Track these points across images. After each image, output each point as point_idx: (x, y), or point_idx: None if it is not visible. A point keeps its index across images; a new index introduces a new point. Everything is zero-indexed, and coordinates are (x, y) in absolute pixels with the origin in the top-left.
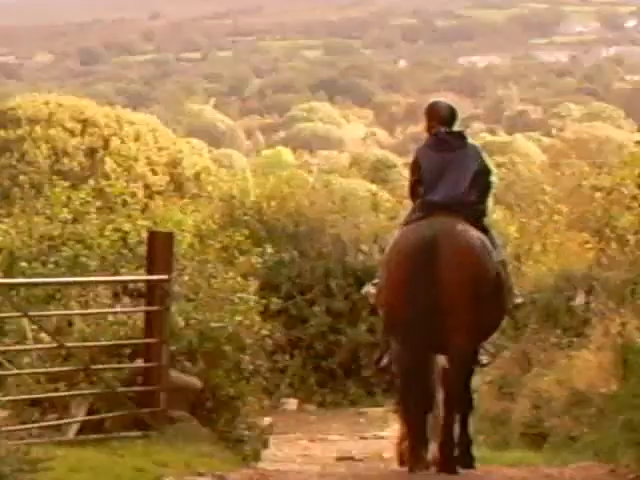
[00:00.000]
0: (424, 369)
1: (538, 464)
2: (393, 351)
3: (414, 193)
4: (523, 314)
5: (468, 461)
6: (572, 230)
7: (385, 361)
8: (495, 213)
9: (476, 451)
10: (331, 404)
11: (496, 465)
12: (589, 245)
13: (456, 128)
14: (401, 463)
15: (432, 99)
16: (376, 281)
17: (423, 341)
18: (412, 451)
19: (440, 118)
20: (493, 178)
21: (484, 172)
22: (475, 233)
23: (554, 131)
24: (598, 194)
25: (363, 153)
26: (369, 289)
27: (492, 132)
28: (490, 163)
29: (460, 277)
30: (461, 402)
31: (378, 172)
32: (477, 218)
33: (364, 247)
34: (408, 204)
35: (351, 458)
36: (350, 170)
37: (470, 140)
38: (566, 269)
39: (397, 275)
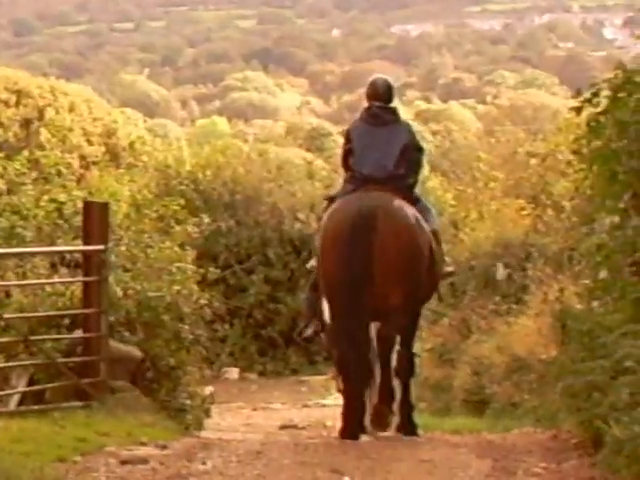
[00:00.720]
0: (361, 337)
1: (480, 430)
2: (332, 321)
3: (346, 163)
4: (461, 281)
5: (411, 428)
6: (508, 197)
7: (309, 331)
8: (431, 181)
9: (418, 418)
10: (272, 373)
11: (439, 432)
12: (525, 212)
13: (391, 104)
14: None
15: (367, 70)
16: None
17: (360, 310)
18: (346, 419)
19: (376, 94)
20: (423, 155)
21: (414, 147)
22: (408, 207)
23: (489, 98)
24: (533, 161)
25: (298, 122)
26: (313, 263)
27: (427, 100)
28: (421, 140)
29: (395, 250)
30: (401, 370)
31: (314, 141)
32: (406, 190)
33: (301, 215)
34: (343, 172)
35: (294, 426)
36: (285, 139)
37: (402, 116)
38: (503, 236)
39: (334, 248)
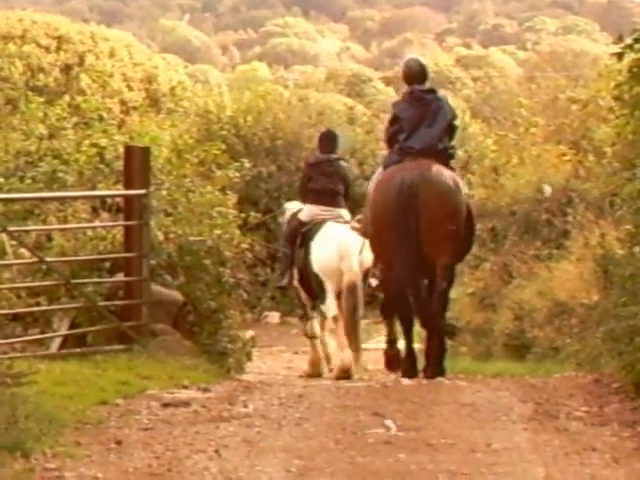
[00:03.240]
0: (416, 287)
1: (522, 375)
2: (385, 275)
3: (392, 141)
4: (502, 226)
5: (440, 370)
6: (549, 143)
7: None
8: (472, 126)
9: (460, 362)
10: None
11: (480, 376)
12: (566, 157)
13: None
14: (390, 369)
15: (408, 16)
16: (360, 217)
17: (412, 265)
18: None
19: (414, 76)
20: (457, 122)
21: (453, 120)
22: (450, 173)
23: (529, 45)
24: (574, 106)
25: (339, 68)
26: (354, 224)
27: (467, 46)
28: (455, 109)
29: (440, 211)
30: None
31: (354, 87)
32: (447, 161)
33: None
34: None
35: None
36: (326, 85)
37: (440, 93)
38: (544, 181)
39: (385, 213)
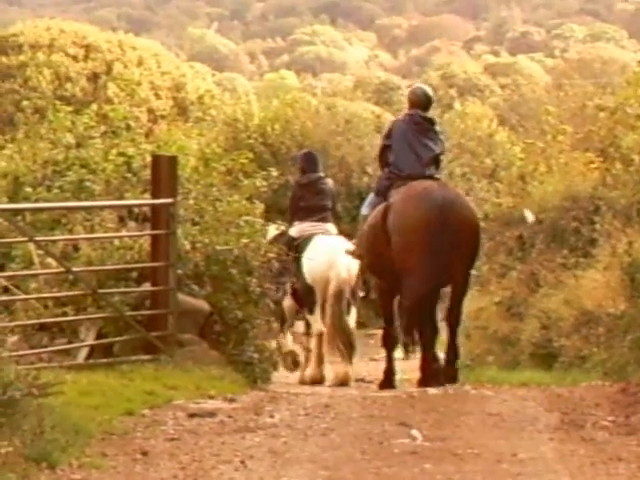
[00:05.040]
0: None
1: (548, 384)
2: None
3: (382, 157)
4: (530, 234)
5: (454, 374)
6: (577, 150)
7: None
8: (499, 134)
9: (486, 371)
10: None
11: (506, 385)
12: (594, 165)
13: (429, 113)
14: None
15: (436, 23)
16: (355, 241)
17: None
18: (427, 369)
19: (419, 103)
20: (443, 156)
21: (442, 154)
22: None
23: (557, 52)
24: (602, 114)
25: (366, 76)
26: (349, 248)
27: (495, 54)
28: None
29: (465, 232)
30: (453, 321)
31: (382, 94)
32: None
33: (369, 169)
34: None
35: (361, 380)
36: (354, 93)
37: (438, 126)
38: (571, 189)
39: (417, 240)
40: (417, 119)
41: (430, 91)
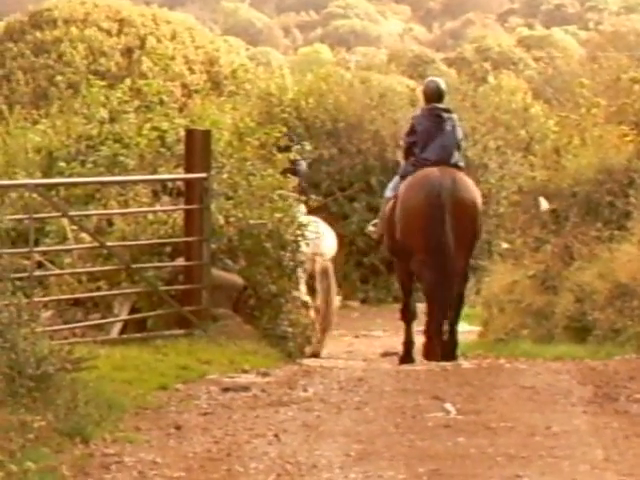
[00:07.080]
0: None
1: (582, 357)
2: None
3: (408, 151)
4: (564, 207)
5: (454, 354)
6: (611, 123)
7: None
8: (534, 107)
9: (521, 345)
10: (374, 300)
11: (540, 359)
12: (628, 138)
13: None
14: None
15: None
16: (376, 221)
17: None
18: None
19: (434, 96)
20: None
21: (462, 140)
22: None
23: (591, 25)
24: (637, 86)
25: (401, 49)
26: (370, 228)
27: (529, 26)
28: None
29: (464, 215)
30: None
31: (416, 68)
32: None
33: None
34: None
35: (395, 354)
36: (388, 66)
37: (454, 115)
38: (606, 162)
39: (419, 222)
40: (435, 112)
41: (442, 83)
